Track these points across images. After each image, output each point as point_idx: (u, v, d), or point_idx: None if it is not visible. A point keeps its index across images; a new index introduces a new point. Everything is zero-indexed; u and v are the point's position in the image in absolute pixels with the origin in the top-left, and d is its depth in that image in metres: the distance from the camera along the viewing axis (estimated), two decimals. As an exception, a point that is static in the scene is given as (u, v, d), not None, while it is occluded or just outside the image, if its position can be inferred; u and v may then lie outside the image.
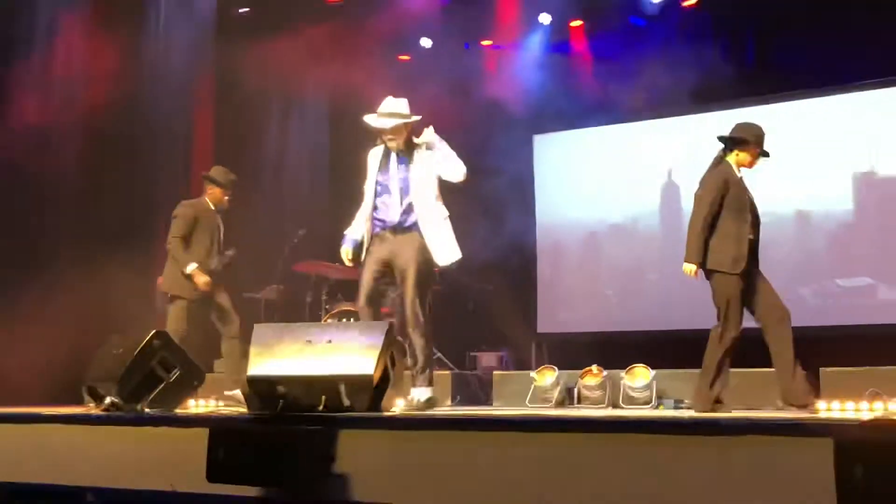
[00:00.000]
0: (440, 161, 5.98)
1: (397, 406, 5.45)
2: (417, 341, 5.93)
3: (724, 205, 5.80)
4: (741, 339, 5.86)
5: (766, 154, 5.97)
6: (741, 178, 5.91)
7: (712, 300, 5.90)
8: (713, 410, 5.68)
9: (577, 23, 10.17)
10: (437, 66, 10.24)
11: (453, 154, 5.99)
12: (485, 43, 10.53)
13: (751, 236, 5.81)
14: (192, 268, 7.21)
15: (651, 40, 8.98)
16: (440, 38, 10.50)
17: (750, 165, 5.96)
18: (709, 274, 5.86)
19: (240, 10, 10.21)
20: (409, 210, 6.00)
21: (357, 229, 6.17)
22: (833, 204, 8.76)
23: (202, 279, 7.20)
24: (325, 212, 10.05)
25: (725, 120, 6.72)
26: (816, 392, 6.72)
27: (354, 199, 6.25)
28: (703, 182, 5.94)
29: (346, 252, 6.14)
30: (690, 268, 5.83)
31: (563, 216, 10.06)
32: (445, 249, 5.98)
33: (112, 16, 8.76)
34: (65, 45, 8.67)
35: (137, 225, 8.54)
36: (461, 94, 9.73)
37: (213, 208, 7.51)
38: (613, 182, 9.77)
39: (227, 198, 7.55)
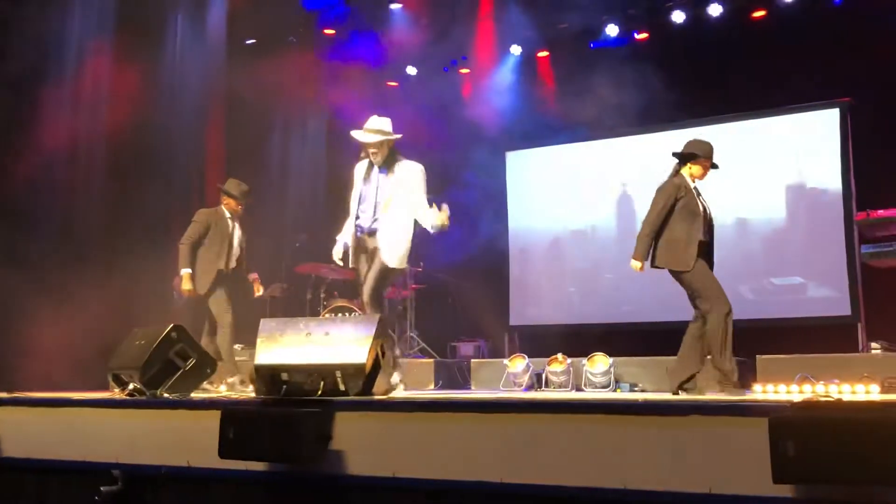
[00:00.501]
0: (421, 200, 5.93)
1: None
2: None
3: (675, 210, 5.77)
4: (675, 331, 5.84)
5: (715, 166, 5.95)
6: (695, 188, 5.86)
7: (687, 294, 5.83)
8: (732, 385, 5.49)
9: (543, 53, 10.22)
10: (422, 91, 10.26)
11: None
12: (463, 71, 10.54)
13: (702, 238, 5.73)
14: (183, 272, 7.21)
15: (608, 70, 8.99)
16: (424, 66, 10.51)
17: (702, 177, 5.91)
18: (672, 274, 5.80)
19: (247, 41, 10.17)
20: (379, 218, 5.98)
21: (345, 234, 6.17)
22: (768, 212, 8.81)
23: (187, 286, 7.19)
24: (322, 219, 9.98)
25: (674, 139, 6.73)
26: (753, 376, 6.78)
27: (348, 209, 6.23)
28: (657, 191, 5.94)
29: (336, 253, 6.14)
30: (636, 264, 5.84)
31: (531, 223, 10.07)
32: (394, 256, 5.92)
33: (134, 44, 8.69)
34: (91, 70, 8.60)
35: (156, 231, 8.47)
36: (442, 115, 9.75)
37: (228, 216, 7.49)
38: (575, 193, 9.79)
39: (240, 207, 7.54)
